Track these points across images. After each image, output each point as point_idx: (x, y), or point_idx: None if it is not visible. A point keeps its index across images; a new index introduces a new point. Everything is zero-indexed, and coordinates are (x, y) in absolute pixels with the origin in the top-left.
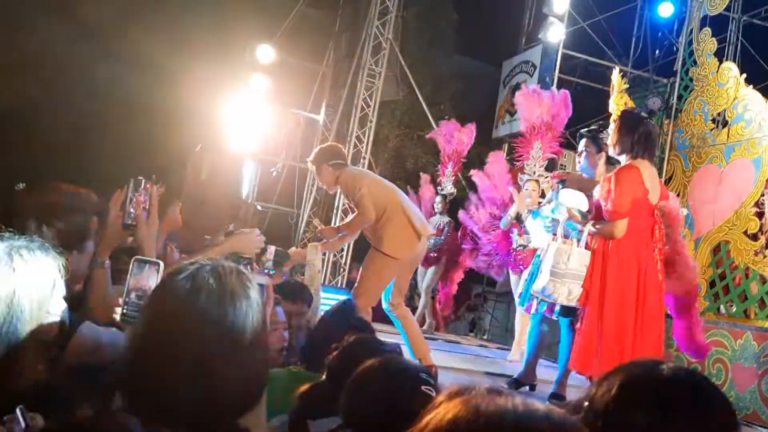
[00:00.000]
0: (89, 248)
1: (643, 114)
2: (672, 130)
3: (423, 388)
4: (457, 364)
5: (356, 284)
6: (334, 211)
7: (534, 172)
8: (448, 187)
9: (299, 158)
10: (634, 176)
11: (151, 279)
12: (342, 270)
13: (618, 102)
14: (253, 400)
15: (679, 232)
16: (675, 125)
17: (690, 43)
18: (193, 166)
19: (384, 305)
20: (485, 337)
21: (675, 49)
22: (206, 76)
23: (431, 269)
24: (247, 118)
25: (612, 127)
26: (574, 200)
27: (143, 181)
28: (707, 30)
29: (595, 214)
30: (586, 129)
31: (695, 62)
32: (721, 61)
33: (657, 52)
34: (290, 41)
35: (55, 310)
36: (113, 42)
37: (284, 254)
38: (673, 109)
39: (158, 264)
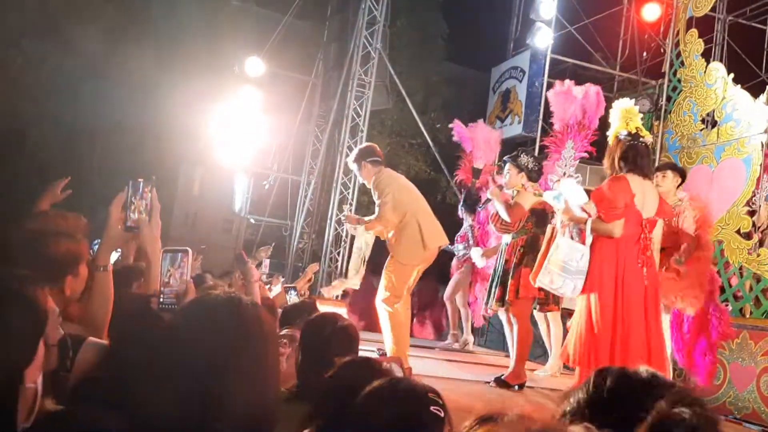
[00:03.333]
0: (82, 272)
1: (642, 143)
2: (662, 131)
3: (432, 408)
4: (456, 374)
5: (380, 286)
6: (328, 221)
7: (564, 173)
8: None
9: (291, 170)
10: (622, 183)
11: (183, 266)
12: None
13: (621, 127)
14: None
15: (707, 230)
16: (665, 126)
17: (677, 44)
18: (185, 181)
19: (379, 298)
20: (484, 344)
21: (662, 50)
22: (196, 90)
23: (453, 277)
24: (238, 132)
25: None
26: (574, 192)
27: (142, 182)
28: (694, 31)
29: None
30: (508, 156)
31: (683, 63)
32: (708, 62)
33: (644, 54)
34: (279, 53)
35: (54, 340)
36: (102, 59)
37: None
38: (662, 110)
39: (187, 251)
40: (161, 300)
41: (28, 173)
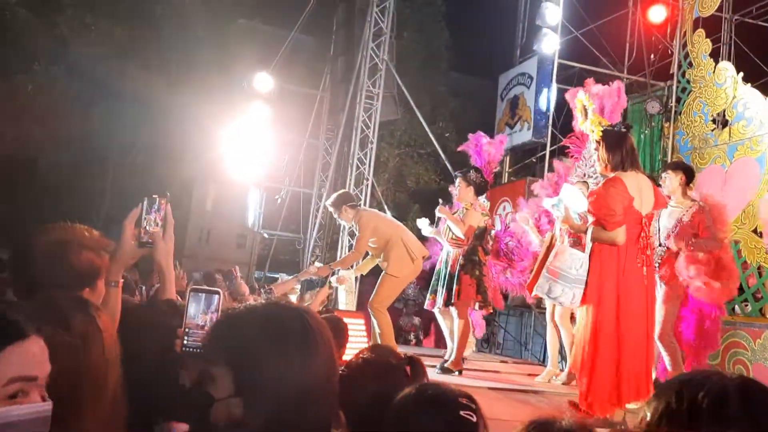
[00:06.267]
0: (100, 287)
1: (623, 129)
2: (673, 133)
3: (462, 413)
4: (472, 383)
5: (373, 297)
6: (340, 233)
7: (584, 174)
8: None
9: (302, 183)
10: (619, 186)
11: (211, 308)
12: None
13: (595, 123)
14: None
15: (722, 230)
16: (675, 128)
17: (684, 45)
18: (198, 199)
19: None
20: (499, 352)
21: (670, 52)
22: (206, 108)
23: None
24: (249, 147)
25: (595, 146)
26: (574, 198)
27: (157, 198)
28: (701, 31)
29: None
30: (459, 171)
31: (691, 64)
32: (716, 62)
33: (652, 56)
34: (286, 69)
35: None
36: (111, 81)
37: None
38: (672, 111)
39: (219, 293)
40: (186, 343)
41: (40, 197)
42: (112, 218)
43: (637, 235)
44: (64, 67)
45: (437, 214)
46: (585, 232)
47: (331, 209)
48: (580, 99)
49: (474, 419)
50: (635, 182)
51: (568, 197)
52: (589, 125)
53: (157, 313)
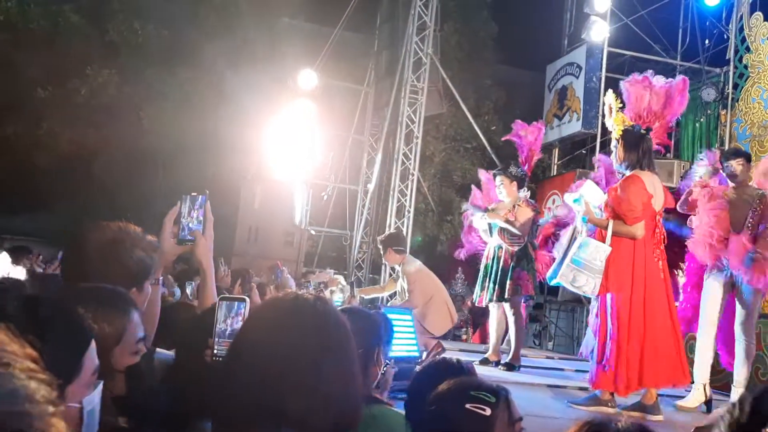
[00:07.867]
0: (147, 289)
1: (642, 131)
2: (730, 120)
3: (468, 406)
4: (519, 378)
5: None
6: (386, 229)
7: None
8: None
9: (348, 180)
10: (638, 184)
11: (232, 313)
12: None
13: (618, 122)
14: (351, 420)
15: None
16: (733, 115)
17: (741, 29)
18: (246, 197)
19: None
20: (550, 347)
21: (725, 37)
22: (252, 107)
23: None
24: (295, 144)
25: (615, 144)
26: (594, 194)
27: (198, 196)
28: (758, 14)
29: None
30: (498, 168)
31: (748, 48)
32: None
33: (707, 41)
34: (331, 65)
35: (121, 366)
36: (159, 82)
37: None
38: (729, 98)
39: (245, 299)
40: (215, 351)
41: (96, 197)
42: (163, 217)
43: (652, 230)
44: (115, 71)
45: (487, 221)
46: (605, 227)
47: (379, 246)
48: (608, 101)
49: (487, 413)
50: (651, 180)
51: (589, 193)
52: (612, 123)
53: (198, 313)
